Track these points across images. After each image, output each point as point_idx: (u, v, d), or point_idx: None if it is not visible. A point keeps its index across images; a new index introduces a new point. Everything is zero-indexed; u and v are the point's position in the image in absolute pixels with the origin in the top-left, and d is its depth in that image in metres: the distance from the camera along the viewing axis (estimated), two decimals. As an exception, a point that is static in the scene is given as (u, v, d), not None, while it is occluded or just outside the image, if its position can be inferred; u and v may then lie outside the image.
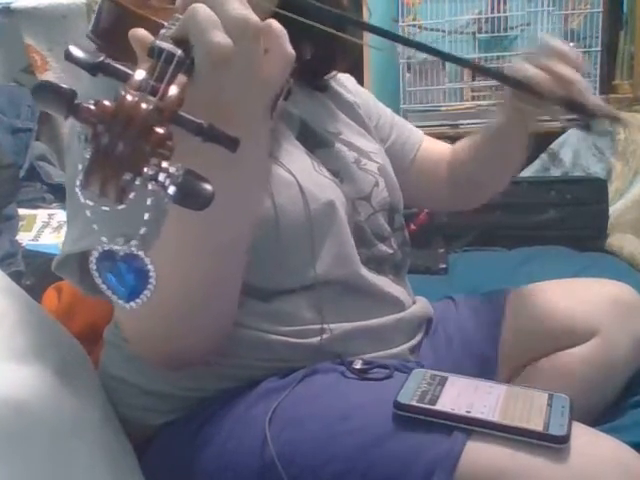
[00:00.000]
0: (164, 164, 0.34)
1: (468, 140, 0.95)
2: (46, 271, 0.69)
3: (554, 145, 1.93)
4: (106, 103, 0.35)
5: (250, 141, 0.43)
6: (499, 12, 2.10)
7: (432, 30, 2.14)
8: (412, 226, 1.62)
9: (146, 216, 0.37)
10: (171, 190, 0.34)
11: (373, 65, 2.06)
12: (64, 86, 0.35)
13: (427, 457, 0.56)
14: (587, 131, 0.76)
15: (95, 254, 0.40)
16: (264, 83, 0.47)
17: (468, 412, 0.58)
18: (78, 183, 0.34)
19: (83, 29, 1.75)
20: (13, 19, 1.78)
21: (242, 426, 0.65)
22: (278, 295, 0.70)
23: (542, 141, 1.94)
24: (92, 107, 0.34)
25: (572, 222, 1.65)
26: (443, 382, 0.64)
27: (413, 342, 0.80)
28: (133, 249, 0.39)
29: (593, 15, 2.04)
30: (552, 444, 0.55)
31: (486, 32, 2.12)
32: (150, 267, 0.39)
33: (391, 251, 0.80)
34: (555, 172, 1.91)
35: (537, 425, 0.56)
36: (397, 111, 2.12)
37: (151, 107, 0.35)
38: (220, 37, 0.42)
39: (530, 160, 1.94)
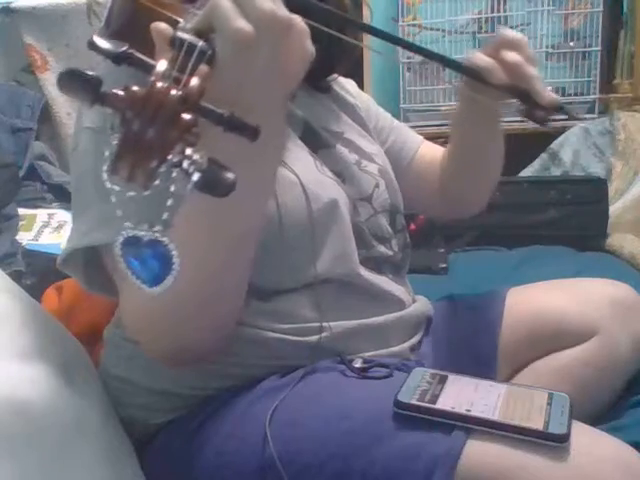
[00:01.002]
0: (188, 151, 0.35)
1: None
2: (46, 271, 0.69)
3: (554, 145, 1.93)
4: (135, 89, 0.35)
5: (270, 132, 0.43)
6: (499, 12, 2.10)
7: (432, 30, 2.14)
8: (412, 226, 1.62)
9: (169, 202, 0.37)
10: (195, 177, 0.35)
11: (373, 65, 2.06)
12: (90, 73, 0.36)
13: (427, 456, 0.56)
14: (536, 122, 0.74)
15: (120, 239, 0.40)
16: (286, 77, 0.48)
17: (468, 411, 0.58)
18: (105, 168, 0.35)
19: (83, 29, 1.75)
20: (13, 19, 1.78)
21: (242, 425, 0.65)
22: (278, 293, 0.70)
23: (542, 141, 1.94)
24: (121, 93, 0.35)
25: (572, 222, 1.65)
26: (443, 381, 0.64)
27: (413, 341, 0.80)
28: (157, 235, 0.39)
29: (593, 15, 2.04)
30: (552, 443, 0.55)
31: (486, 32, 2.12)
32: (174, 253, 0.40)
33: (391, 253, 0.80)
34: (555, 172, 1.91)
35: (537, 424, 0.56)
36: (397, 111, 2.12)
37: (180, 93, 0.36)
38: (242, 23, 0.43)
39: (530, 160, 1.95)
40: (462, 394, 0.61)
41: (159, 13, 0.48)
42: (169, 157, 0.35)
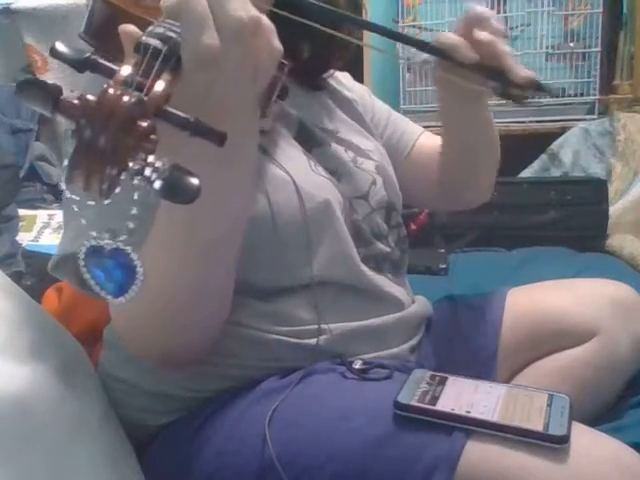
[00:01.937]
0: (150, 158, 0.34)
1: None
2: (46, 272, 0.69)
3: (554, 145, 1.93)
4: (89, 97, 0.35)
5: (238, 136, 0.43)
6: (499, 12, 2.09)
7: (432, 31, 2.14)
8: (412, 226, 1.62)
9: (133, 211, 0.37)
10: (157, 184, 0.34)
11: (373, 65, 2.06)
12: (49, 82, 0.35)
13: (427, 457, 0.56)
14: (513, 101, 0.73)
15: (83, 250, 0.40)
16: (255, 76, 0.47)
17: (468, 412, 0.58)
18: (63, 178, 0.34)
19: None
20: (13, 19, 1.78)
21: (242, 426, 0.65)
22: (277, 295, 0.70)
23: (542, 142, 1.94)
24: (75, 101, 0.34)
25: (572, 222, 1.65)
26: (443, 382, 0.64)
27: (413, 342, 0.80)
28: (120, 244, 0.38)
29: (593, 15, 2.04)
30: (552, 444, 0.54)
31: (486, 32, 2.12)
32: (137, 262, 0.39)
33: (388, 249, 0.79)
34: (555, 172, 1.91)
35: (537, 425, 0.56)
36: (397, 111, 2.11)
37: (133, 100, 0.35)
38: (208, 38, 0.42)
39: (530, 161, 1.95)
40: (462, 395, 0.61)
41: (137, 17, 0.47)
42: (129, 165, 0.34)
